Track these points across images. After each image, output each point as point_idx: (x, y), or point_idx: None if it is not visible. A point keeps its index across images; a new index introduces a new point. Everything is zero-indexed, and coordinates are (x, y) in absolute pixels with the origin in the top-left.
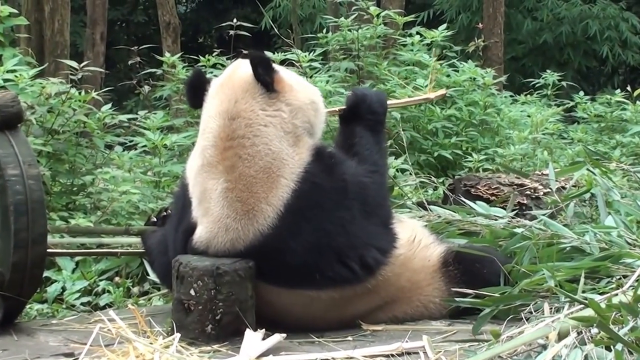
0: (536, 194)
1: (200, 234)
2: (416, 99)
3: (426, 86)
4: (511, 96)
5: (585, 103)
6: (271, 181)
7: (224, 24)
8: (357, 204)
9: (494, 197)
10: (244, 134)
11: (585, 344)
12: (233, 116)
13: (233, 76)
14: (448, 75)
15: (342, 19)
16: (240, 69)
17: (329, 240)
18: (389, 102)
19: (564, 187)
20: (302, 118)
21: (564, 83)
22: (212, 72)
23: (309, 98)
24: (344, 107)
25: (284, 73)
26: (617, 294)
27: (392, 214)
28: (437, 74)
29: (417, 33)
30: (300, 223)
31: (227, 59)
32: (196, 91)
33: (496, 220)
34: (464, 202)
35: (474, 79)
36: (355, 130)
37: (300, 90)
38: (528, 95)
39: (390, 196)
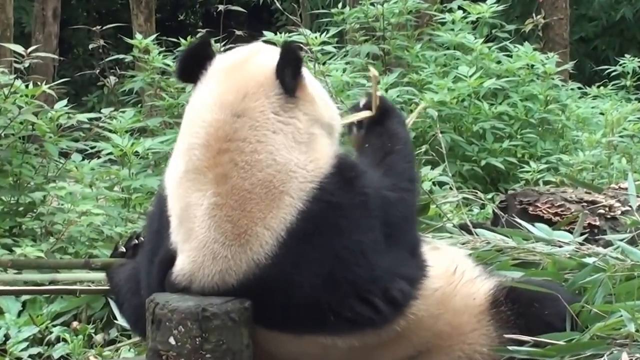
0: (612, 214)
1: (181, 266)
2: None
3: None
4: (579, 88)
5: None
6: (271, 198)
7: None
8: (379, 225)
9: (557, 218)
10: (246, 137)
11: None
12: (238, 113)
13: (248, 62)
14: (499, 62)
15: None
16: (260, 56)
17: (346, 272)
18: None
19: None
20: (320, 129)
21: None
22: None
23: (328, 117)
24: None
25: (309, 80)
26: None
27: (419, 238)
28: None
29: (460, 8)
30: (307, 251)
31: (215, 41)
32: (194, 63)
33: (561, 247)
34: (520, 224)
35: (532, 66)
36: (397, 131)
37: (321, 106)
38: (601, 87)
39: (419, 220)
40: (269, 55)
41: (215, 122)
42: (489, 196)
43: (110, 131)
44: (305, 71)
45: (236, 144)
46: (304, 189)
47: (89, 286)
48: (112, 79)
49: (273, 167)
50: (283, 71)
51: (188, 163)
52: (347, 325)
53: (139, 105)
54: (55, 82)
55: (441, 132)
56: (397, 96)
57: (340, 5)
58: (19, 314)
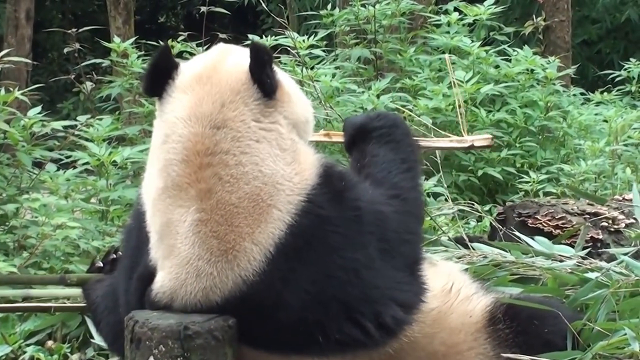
0: (615, 226)
1: (162, 282)
2: (449, 144)
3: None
4: (582, 94)
5: None
6: (259, 212)
7: None
8: (374, 241)
9: (558, 231)
10: (229, 149)
11: None
12: (218, 124)
13: (219, 68)
14: (497, 67)
15: None
16: (230, 60)
17: (336, 290)
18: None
19: None
20: (299, 135)
21: None
22: None
23: (304, 115)
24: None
25: (281, 76)
26: None
27: (420, 255)
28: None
29: (455, 9)
30: (297, 268)
31: (197, 45)
32: (160, 75)
33: (562, 261)
34: (518, 237)
35: (532, 71)
36: (365, 149)
37: (297, 104)
38: (605, 93)
39: (419, 229)
40: (238, 58)
41: (193, 136)
42: (486, 208)
43: (86, 140)
44: (276, 68)
45: (219, 157)
46: (292, 201)
47: (65, 303)
48: (89, 85)
49: (260, 180)
50: (260, 74)
51: (167, 180)
52: (336, 346)
53: (117, 113)
54: (29, 88)
55: None
56: (390, 102)
57: (329, 6)
58: None
